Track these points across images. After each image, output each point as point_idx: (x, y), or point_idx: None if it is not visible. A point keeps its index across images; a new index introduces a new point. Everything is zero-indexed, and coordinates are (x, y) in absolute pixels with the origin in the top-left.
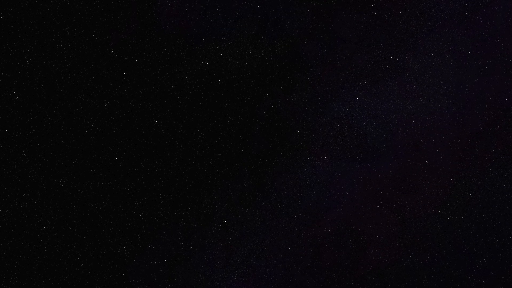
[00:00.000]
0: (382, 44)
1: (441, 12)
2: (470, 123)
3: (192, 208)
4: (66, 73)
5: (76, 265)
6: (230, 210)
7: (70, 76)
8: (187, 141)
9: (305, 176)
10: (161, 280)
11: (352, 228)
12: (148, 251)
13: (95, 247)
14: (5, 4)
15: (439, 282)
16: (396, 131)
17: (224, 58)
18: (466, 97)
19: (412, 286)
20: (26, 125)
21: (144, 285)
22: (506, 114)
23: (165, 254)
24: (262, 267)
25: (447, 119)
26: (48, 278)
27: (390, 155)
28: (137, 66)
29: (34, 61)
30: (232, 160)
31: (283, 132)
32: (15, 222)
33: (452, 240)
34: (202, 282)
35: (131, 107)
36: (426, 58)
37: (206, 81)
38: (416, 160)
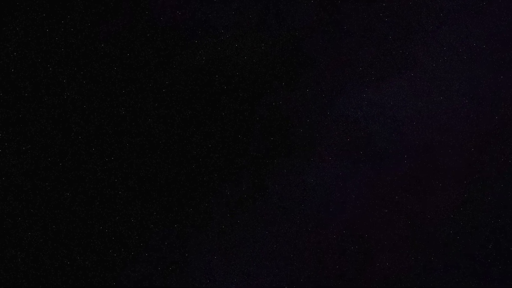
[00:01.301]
0: (391, 37)
1: (453, 3)
2: (484, 121)
3: (187, 212)
4: (53, 68)
5: (63, 273)
6: (229, 214)
7: (57, 71)
8: (183, 141)
9: (309, 178)
10: None
11: (359, 234)
12: (141, 258)
13: (83, 254)
14: None
15: None
16: (405, 131)
17: (222, 52)
18: (480, 94)
19: None
20: (10, 124)
21: None
22: None
23: (158, 261)
24: (263, 275)
25: (460, 118)
26: (36, 287)
27: (399, 156)
28: (129, 61)
29: (18, 55)
30: (231, 161)
31: (285, 132)
32: None
33: (466, 247)
34: None
35: (122, 105)
36: (438, 52)
37: (203, 77)
38: (427, 161)
